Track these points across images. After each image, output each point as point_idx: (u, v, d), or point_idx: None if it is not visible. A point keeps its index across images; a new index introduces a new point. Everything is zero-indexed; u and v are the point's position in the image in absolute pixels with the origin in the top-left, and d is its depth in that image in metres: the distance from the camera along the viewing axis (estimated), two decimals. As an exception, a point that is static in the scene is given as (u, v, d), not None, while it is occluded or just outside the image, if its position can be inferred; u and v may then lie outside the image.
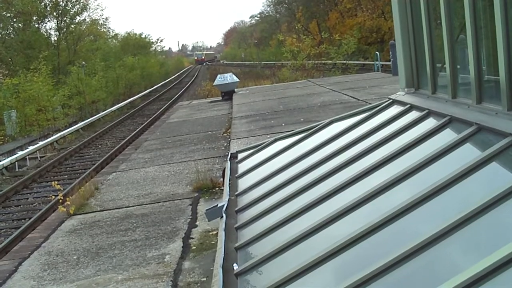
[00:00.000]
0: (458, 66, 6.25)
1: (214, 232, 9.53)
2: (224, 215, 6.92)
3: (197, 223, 10.76)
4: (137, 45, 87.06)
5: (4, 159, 24.56)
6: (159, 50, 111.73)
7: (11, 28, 56.21)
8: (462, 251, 3.81)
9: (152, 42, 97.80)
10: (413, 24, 7.56)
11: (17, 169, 24.59)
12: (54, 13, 59.17)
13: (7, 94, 35.98)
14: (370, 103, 12.36)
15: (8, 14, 54.56)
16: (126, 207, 12.48)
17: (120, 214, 11.94)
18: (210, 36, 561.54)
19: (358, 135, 7.18)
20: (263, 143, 10.08)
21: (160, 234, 10.32)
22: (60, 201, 13.66)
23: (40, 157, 27.19)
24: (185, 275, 8.44)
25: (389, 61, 35.48)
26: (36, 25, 57.81)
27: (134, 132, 30.97)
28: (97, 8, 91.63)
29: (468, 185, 4.46)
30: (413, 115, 6.77)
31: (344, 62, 51.53)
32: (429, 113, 6.40)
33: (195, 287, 8.03)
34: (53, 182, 16.27)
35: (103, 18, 79.01)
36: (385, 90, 23.31)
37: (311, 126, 9.63)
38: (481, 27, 5.43)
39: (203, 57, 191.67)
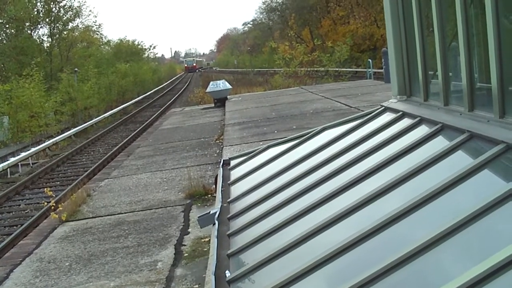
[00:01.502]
0: (450, 74, 6.27)
1: (207, 239, 9.52)
2: (216, 222, 6.92)
3: (189, 230, 10.74)
4: (130, 51, 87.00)
5: (-4, 166, 24.50)
6: (152, 57, 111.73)
7: (4, 34, 56.11)
8: (454, 258, 3.82)
9: (145, 49, 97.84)
10: (406, 31, 7.60)
11: (9, 176, 24.51)
12: (47, 20, 59.10)
13: (-1, 100, 35.91)
14: (362, 110, 12.38)
15: (1, 20, 54.46)
16: (118, 213, 12.45)
17: (112, 221, 11.92)
18: (203, 43, 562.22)
19: (350, 142, 7.20)
20: (256, 150, 10.09)
21: (152, 241, 10.30)
22: (52, 207, 13.63)
23: (32, 163, 27.12)
24: (177, 282, 8.42)
25: (382, 68, 35.61)
26: (29, 31, 57.70)
27: (127, 139, 30.92)
28: (90, 15, 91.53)
29: (460, 192, 4.48)
30: (405, 122, 6.79)
31: (337, 69, 51.68)
32: (421, 121, 6.43)
33: (187, 294, 8.03)
34: (45, 189, 16.23)
35: (96, 25, 78.97)
36: (377, 97, 23.36)
37: (303, 133, 9.64)
38: (473, 35, 5.45)
39: (195, 64, 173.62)
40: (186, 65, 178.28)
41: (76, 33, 65.12)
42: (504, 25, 4.75)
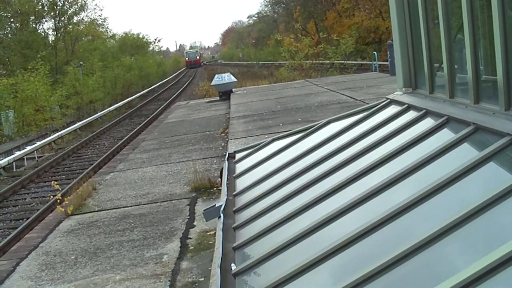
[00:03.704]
0: (456, 66, 6.25)
1: (212, 232, 9.53)
2: (222, 215, 6.93)
3: (195, 223, 10.75)
4: (135, 45, 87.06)
5: (2, 159, 24.53)
6: (157, 50, 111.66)
7: (9, 28, 56.19)
8: (460, 250, 3.82)
9: (150, 42, 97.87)
10: (411, 24, 7.57)
11: (14, 169, 24.57)
12: (52, 13, 59.15)
13: (5, 94, 35.93)
14: (368, 103, 12.36)
15: (6, 14, 54.51)
16: (124, 207, 12.47)
17: (118, 214, 11.93)
18: (208, 36, 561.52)
19: (355, 135, 7.19)
20: (261, 143, 10.09)
21: (158, 234, 10.31)
22: (58, 201, 13.66)
23: (38, 157, 27.18)
24: (183, 275, 8.43)
25: (387, 61, 35.51)
26: (34, 25, 57.75)
27: (132, 132, 30.95)
28: (95, 9, 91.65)
29: (466, 185, 4.47)
30: (411, 115, 6.78)
31: (342, 62, 51.53)
32: (426, 113, 6.41)
33: (193, 287, 8.03)
34: (52, 182, 16.27)
35: (101, 18, 79.13)
36: (382, 90, 23.32)
37: (308, 126, 9.63)
38: (479, 27, 5.43)
39: (198, 57, 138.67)
40: (187, 58, 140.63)
41: (81, 27, 65.16)
42: (510, 17, 4.73)
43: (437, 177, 4.59)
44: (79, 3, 62.05)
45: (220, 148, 17.72)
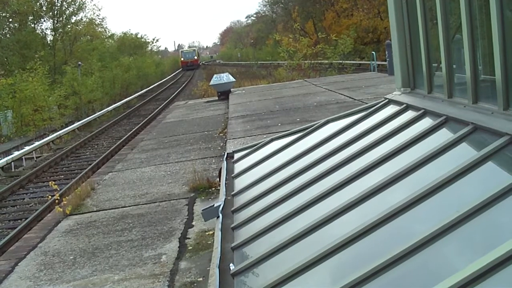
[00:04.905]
0: (454, 66, 6.26)
1: (211, 232, 9.53)
2: (220, 215, 6.93)
3: (193, 223, 10.75)
4: (133, 45, 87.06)
5: (0, 159, 24.51)
6: (155, 50, 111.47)
7: (7, 28, 56.11)
8: (458, 250, 3.82)
9: (148, 42, 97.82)
10: (409, 24, 7.58)
11: (13, 169, 24.55)
12: (50, 13, 59.06)
13: (3, 94, 35.90)
14: (366, 103, 12.36)
15: (4, 14, 54.44)
16: (122, 207, 12.46)
17: (117, 214, 11.93)
18: (206, 36, 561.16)
19: (354, 135, 7.19)
20: (259, 143, 10.09)
21: (157, 234, 10.31)
22: (57, 201, 13.65)
23: (36, 157, 27.16)
24: (181, 275, 8.43)
25: (385, 61, 35.50)
26: (32, 25, 57.65)
27: (130, 132, 30.92)
28: (94, 9, 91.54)
29: (464, 184, 4.47)
30: (409, 114, 6.78)
31: (340, 62, 51.52)
32: (425, 113, 6.41)
33: (191, 287, 8.03)
34: (50, 182, 16.26)
35: (99, 18, 79.02)
36: (381, 90, 23.33)
37: (307, 126, 9.63)
38: (477, 27, 5.44)
39: (196, 58, 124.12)
40: (182, 58, 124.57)
41: (80, 27, 65.05)
42: (508, 17, 4.74)
43: (435, 177, 4.60)
44: (77, 3, 61.90)
45: (219, 148, 17.72)
